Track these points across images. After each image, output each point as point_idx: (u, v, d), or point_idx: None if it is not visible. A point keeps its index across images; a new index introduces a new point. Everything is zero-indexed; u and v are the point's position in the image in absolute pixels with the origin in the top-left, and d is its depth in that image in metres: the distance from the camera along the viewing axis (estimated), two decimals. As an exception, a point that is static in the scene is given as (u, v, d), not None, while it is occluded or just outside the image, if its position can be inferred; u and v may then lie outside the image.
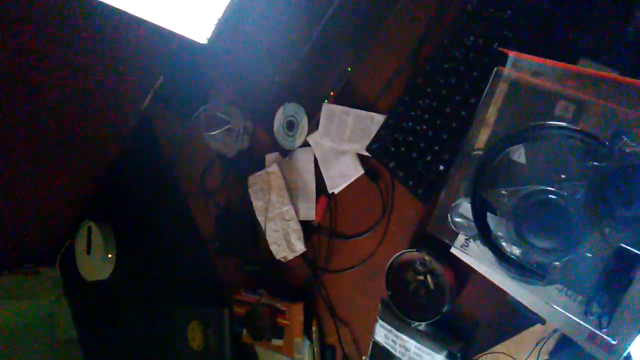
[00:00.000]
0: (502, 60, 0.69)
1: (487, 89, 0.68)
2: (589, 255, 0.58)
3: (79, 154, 1.39)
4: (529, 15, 0.72)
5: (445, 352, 0.77)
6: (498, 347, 0.79)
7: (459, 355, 0.77)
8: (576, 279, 0.60)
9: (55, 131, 1.28)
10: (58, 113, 1.25)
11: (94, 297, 1.51)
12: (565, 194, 0.59)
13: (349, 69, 0.93)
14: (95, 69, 1.21)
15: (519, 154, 0.66)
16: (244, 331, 1.03)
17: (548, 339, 1.29)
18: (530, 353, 1.28)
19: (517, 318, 0.73)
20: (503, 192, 0.64)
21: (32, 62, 1.11)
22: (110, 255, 1.41)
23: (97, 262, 1.41)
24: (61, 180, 1.43)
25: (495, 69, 0.67)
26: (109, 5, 0.95)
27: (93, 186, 1.50)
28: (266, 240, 1.03)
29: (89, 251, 1.43)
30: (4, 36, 1.03)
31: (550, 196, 0.60)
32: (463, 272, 0.78)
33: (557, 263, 0.60)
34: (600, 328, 0.58)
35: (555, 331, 0.82)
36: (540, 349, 1.27)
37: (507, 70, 0.67)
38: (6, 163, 1.27)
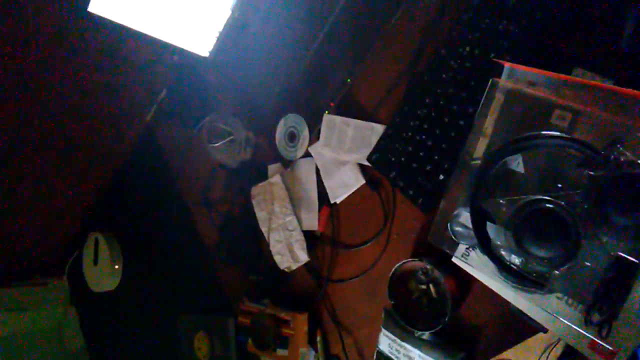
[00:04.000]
0: (498, 70, 0.70)
1: (483, 99, 0.68)
2: (588, 264, 0.58)
3: (84, 166, 1.41)
4: (524, 26, 0.73)
5: (448, 361, 0.77)
6: (505, 354, 0.80)
7: (462, 364, 0.78)
8: (576, 288, 0.60)
9: (61, 143, 1.30)
10: (63, 126, 1.27)
11: (102, 307, 1.53)
12: (563, 203, 0.60)
13: (349, 80, 0.94)
14: (99, 83, 1.23)
15: (517, 163, 0.66)
16: (249, 341, 1.04)
17: (556, 345, 1.28)
18: (539, 359, 1.27)
19: (519, 326, 0.73)
20: (501, 201, 0.64)
21: (36, 76, 1.13)
22: (117, 267, 1.42)
23: (104, 273, 1.43)
24: (67, 192, 1.45)
25: (491, 80, 0.68)
26: (113, 22, 0.97)
27: (99, 198, 1.52)
28: (269, 251, 1.04)
29: (96, 262, 1.45)
30: (9, 52, 1.05)
31: (548, 205, 0.60)
32: (465, 280, 0.78)
33: (556, 272, 0.61)
34: (600, 336, 0.58)
35: (544, 333, 0.82)
36: (548, 355, 1.27)
37: (502, 81, 0.68)
38: (13, 176, 1.29)
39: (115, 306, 1.49)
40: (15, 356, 1.52)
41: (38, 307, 1.60)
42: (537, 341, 0.79)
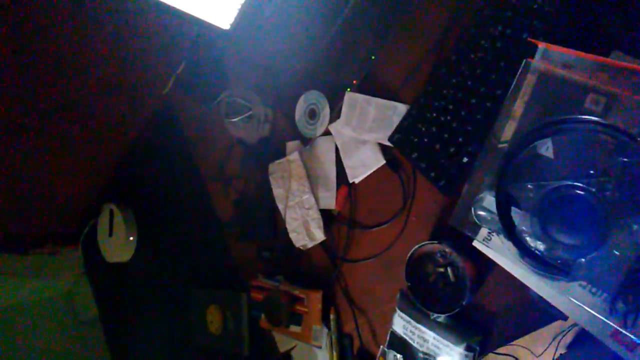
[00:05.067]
0: (531, 51, 0.68)
1: (515, 80, 0.66)
2: (616, 252, 0.57)
3: (101, 136, 1.41)
4: (560, 5, 0.70)
5: (464, 345, 0.77)
6: (516, 340, 0.79)
7: (477, 348, 0.77)
8: (601, 276, 0.59)
9: (78, 113, 1.30)
10: (80, 96, 1.26)
11: (115, 278, 1.54)
12: (593, 189, 0.58)
13: (373, 57, 0.92)
14: (117, 55, 1.22)
15: (546, 148, 0.65)
16: (262, 316, 1.05)
17: (566, 332, 1.28)
18: (548, 346, 1.27)
19: (538, 313, 0.72)
20: (529, 186, 0.63)
21: (55, 45, 1.12)
22: (131, 238, 1.43)
23: (118, 244, 1.44)
24: (84, 162, 1.45)
25: (525, 61, 0.66)
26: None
27: (115, 169, 1.52)
28: (285, 228, 1.03)
29: (110, 234, 1.46)
30: (29, 26, 1.04)
31: (578, 192, 0.59)
32: (484, 265, 0.77)
33: (582, 260, 0.60)
34: (625, 326, 0.57)
35: (573, 325, 0.81)
36: (559, 342, 1.26)
37: (536, 62, 0.66)
38: (30, 145, 1.29)
39: (129, 277, 1.51)
40: (28, 323, 1.55)
41: (52, 276, 1.62)
42: (547, 328, 0.78)
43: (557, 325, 0.77)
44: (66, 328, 1.65)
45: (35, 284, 1.58)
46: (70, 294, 1.68)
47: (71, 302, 1.68)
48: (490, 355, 0.82)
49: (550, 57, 0.66)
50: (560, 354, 1.26)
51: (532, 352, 1.22)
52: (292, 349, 1.06)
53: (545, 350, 1.23)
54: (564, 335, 1.22)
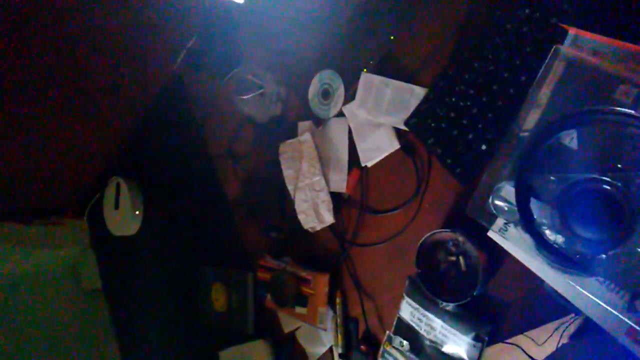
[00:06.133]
0: (559, 37, 0.65)
1: (542, 67, 0.64)
2: (639, 250, 0.55)
3: (109, 109, 1.39)
4: (594, -11, 0.67)
5: (472, 335, 0.76)
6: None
7: (486, 339, 0.76)
8: (622, 273, 0.58)
9: (87, 86, 1.28)
10: (89, 68, 1.24)
11: (121, 251, 1.54)
12: (619, 184, 0.56)
13: (392, 37, 0.89)
14: (127, 26, 1.19)
15: (570, 139, 0.62)
16: (268, 296, 1.04)
17: (570, 323, 1.27)
18: (551, 336, 1.26)
19: (550, 306, 0.71)
20: (551, 178, 0.61)
21: (63, 13, 1.09)
22: (137, 212, 1.42)
23: (124, 218, 1.43)
24: (91, 134, 1.44)
25: (554, 47, 0.63)
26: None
27: (123, 142, 1.50)
28: (293, 209, 1.02)
29: (117, 207, 1.45)
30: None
31: (603, 186, 0.57)
32: (497, 256, 0.76)
33: (602, 255, 0.58)
34: (643, 325, 0.56)
35: (576, 316, 0.80)
36: (562, 332, 1.26)
37: (565, 48, 0.63)
38: (37, 115, 1.27)
39: (134, 251, 1.51)
40: (32, 292, 1.56)
41: (57, 246, 1.62)
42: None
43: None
44: (70, 299, 1.65)
45: (40, 254, 1.58)
46: (75, 266, 1.68)
47: (76, 272, 1.68)
48: (493, 342, 0.81)
49: (580, 44, 0.63)
50: (564, 344, 1.26)
51: (534, 341, 1.22)
52: (297, 329, 1.06)
53: (548, 338, 1.23)
54: (568, 325, 1.21)
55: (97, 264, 1.67)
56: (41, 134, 1.32)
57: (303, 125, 1.03)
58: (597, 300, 0.61)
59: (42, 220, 1.57)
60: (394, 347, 0.86)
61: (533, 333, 1.04)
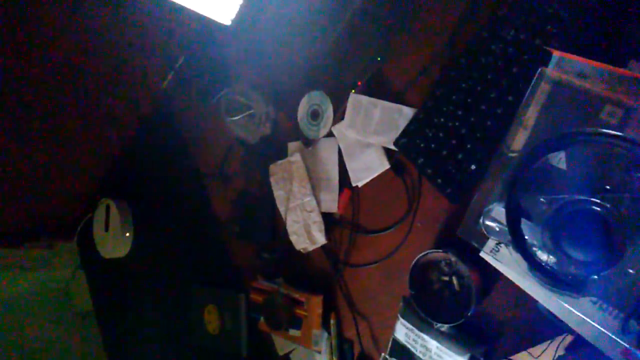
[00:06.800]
0: (545, 58, 0.66)
1: (529, 89, 0.64)
2: (631, 271, 0.55)
3: (98, 131, 1.38)
4: (576, 11, 0.68)
5: (467, 356, 0.75)
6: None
7: (481, 359, 0.76)
8: (614, 294, 0.58)
9: (75, 108, 1.27)
10: (77, 89, 1.23)
11: (111, 273, 1.53)
12: (609, 205, 0.56)
13: (379, 58, 0.90)
14: (115, 48, 1.18)
15: (559, 159, 0.63)
16: (262, 319, 1.03)
17: (566, 336, 1.27)
18: (546, 348, 1.26)
19: (544, 326, 0.71)
20: (541, 199, 0.61)
21: (51, 37, 1.09)
22: (127, 234, 1.41)
23: (114, 240, 1.42)
24: (80, 157, 1.43)
25: (540, 69, 0.63)
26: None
27: (112, 164, 1.49)
28: (285, 230, 1.01)
29: (106, 229, 1.43)
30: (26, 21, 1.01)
31: (593, 207, 0.57)
32: (490, 275, 0.76)
33: (594, 277, 0.58)
34: (637, 346, 0.56)
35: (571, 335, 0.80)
36: (558, 345, 1.25)
37: (551, 71, 0.64)
38: (26, 138, 1.26)
39: (125, 273, 1.49)
40: (24, 315, 1.53)
41: (47, 269, 1.60)
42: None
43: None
44: (61, 322, 1.63)
45: (30, 278, 1.56)
46: (66, 288, 1.66)
47: (67, 295, 1.66)
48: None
49: (565, 66, 0.64)
50: (559, 356, 1.26)
51: (530, 354, 1.22)
52: (291, 352, 1.05)
53: (544, 352, 1.23)
54: (563, 338, 1.21)
55: (88, 286, 1.65)
56: (29, 155, 1.31)
57: (293, 145, 1.03)
58: (591, 321, 0.61)
59: (32, 242, 1.56)
60: (389, 369, 0.86)
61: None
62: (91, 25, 1.11)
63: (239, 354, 1.12)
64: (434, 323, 0.79)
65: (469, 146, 0.77)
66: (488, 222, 0.68)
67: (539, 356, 1.27)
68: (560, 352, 1.31)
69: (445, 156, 0.79)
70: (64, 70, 1.16)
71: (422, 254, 0.79)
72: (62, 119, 1.27)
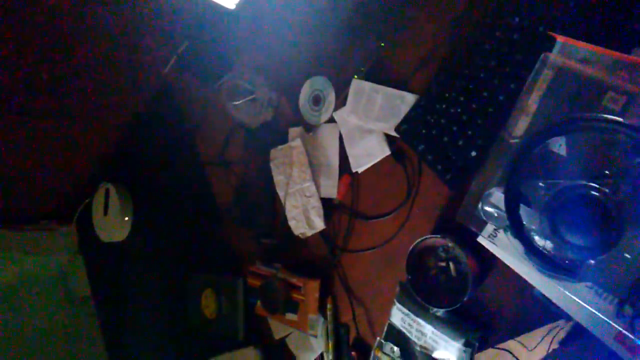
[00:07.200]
0: (549, 44, 0.66)
1: (531, 75, 0.64)
2: (627, 256, 0.56)
3: (99, 114, 1.38)
4: (582, -3, 0.68)
5: (462, 340, 0.76)
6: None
7: (476, 344, 0.76)
8: (610, 279, 0.58)
9: (77, 91, 1.27)
10: (79, 72, 1.23)
11: (110, 257, 1.53)
12: (607, 190, 0.57)
13: (382, 44, 0.90)
14: (118, 31, 1.18)
15: (559, 145, 0.63)
16: (258, 303, 1.03)
17: (560, 328, 1.28)
18: (541, 341, 1.27)
19: (540, 312, 0.72)
20: (540, 184, 0.62)
21: (53, 21, 1.09)
22: (127, 218, 1.41)
23: (113, 224, 1.42)
24: (80, 140, 1.42)
25: (543, 54, 0.64)
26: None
27: (112, 148, 1.49)
28: (284, 215, 1.02)
29: (105, 213, 1.43)
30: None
31: (591, 192, 0.57)
32: (487, 261, 0.76)
33: (591, 261, 0.58)
34: (632, 330, 0.56)
35: (566, 321, 0.81)
36: (552, 338, 1.26)
37: (554, 56, 0.64)
38: (27, 122, 1.26)
39: (123, 257, 1.49)
40: (21, 299, 1.54)
41: (46, 253, 1.60)
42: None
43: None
44: (59, 305, 1.63)
45: (29, 261, 1.56)
46: (64, 272, 1.66)
47: (65, 279, 1.66)
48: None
49: (568, 52, 0.64)
50: (554, 349, 1.26)
51: (525, 346, 1.22)
52: (288, 336, 1.05)
53: (539, 344, 1.24)
54: (558, 331, 1.22)
55: (86, 271, 1.65)
56: (29, 139, 1.31)
57: (294, 131, 1.03)
58: (586, 306, 0.61)
59: (31, 226, 1.56)
60: (384, 353, 0.86)
61: (523, 338, 1.04)
62: (93, 7, 1.11)
63: (236, 337, 1.13)
64: (430, 308, 0.79)
65: (469, 132, 0.77)
66: (487, 208, 0.68)
67: (533, 349, 1.28)
68: (555, 345, 1.32)
69: (446, 143, 0.79)
70: (65, 53, 1.16)
71: (420, 239, 0.80)
72: (62, 101, 1.27)
